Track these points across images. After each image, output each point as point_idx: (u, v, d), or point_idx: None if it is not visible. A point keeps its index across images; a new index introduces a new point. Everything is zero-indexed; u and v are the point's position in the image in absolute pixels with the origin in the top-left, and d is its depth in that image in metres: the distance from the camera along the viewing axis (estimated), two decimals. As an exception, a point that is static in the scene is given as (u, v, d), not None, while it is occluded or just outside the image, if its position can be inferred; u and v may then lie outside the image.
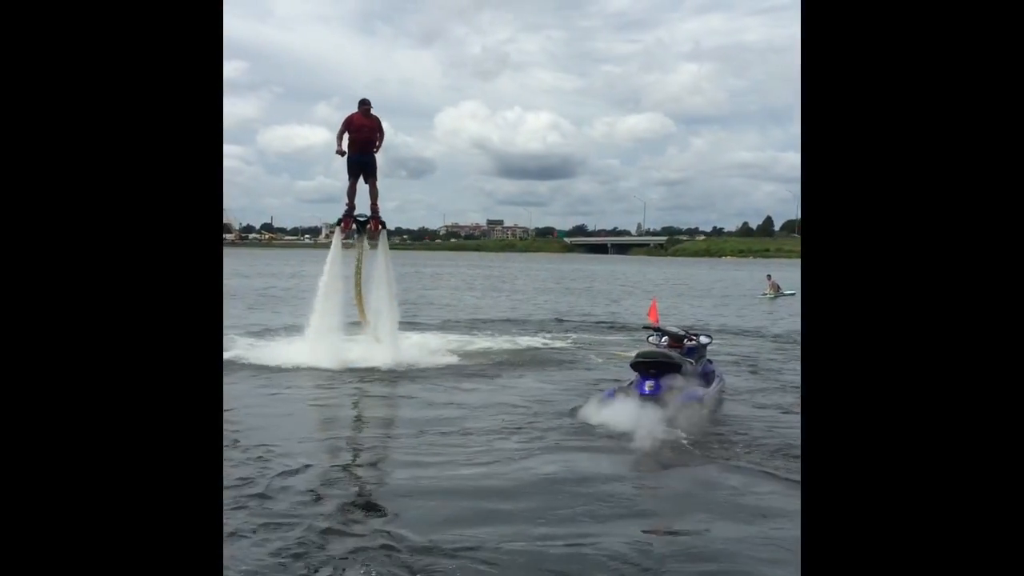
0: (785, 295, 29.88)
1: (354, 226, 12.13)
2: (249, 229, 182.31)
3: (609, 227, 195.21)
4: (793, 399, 8.68)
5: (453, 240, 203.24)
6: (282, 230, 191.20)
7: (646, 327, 10.01)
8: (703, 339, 8.96)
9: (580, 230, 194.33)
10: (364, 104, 11.61)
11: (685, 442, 6.66)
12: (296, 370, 10.37)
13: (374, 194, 12.01)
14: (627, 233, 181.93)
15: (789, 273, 37.63)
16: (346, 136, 11.72)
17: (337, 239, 12.25)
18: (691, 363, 8.14)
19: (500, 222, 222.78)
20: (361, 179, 11.99)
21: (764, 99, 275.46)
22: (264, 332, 13.99)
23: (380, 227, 12.24)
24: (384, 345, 11.45)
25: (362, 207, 12.15)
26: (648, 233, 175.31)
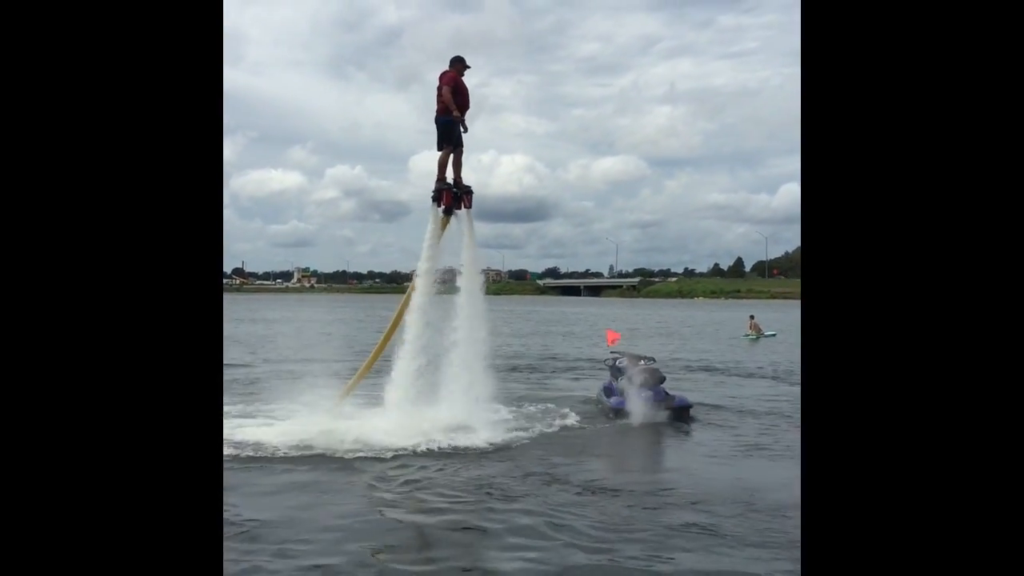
0: (766, 336, 30.00)
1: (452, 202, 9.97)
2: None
3: (582, 269, 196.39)
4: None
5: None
6: (254, 275, 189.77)
7: (620, 353, 12.49)
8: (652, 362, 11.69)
9: (553, 272, 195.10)
10: (460, 62, 9.86)
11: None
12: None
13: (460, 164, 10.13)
14: (599, 275, 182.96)
15: (766, 314, 37.95)
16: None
17: (435, 222, 10.05)
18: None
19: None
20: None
21: (736, 142, 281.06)
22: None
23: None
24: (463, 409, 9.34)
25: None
26: (620, 275, 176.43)
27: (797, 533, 5.22)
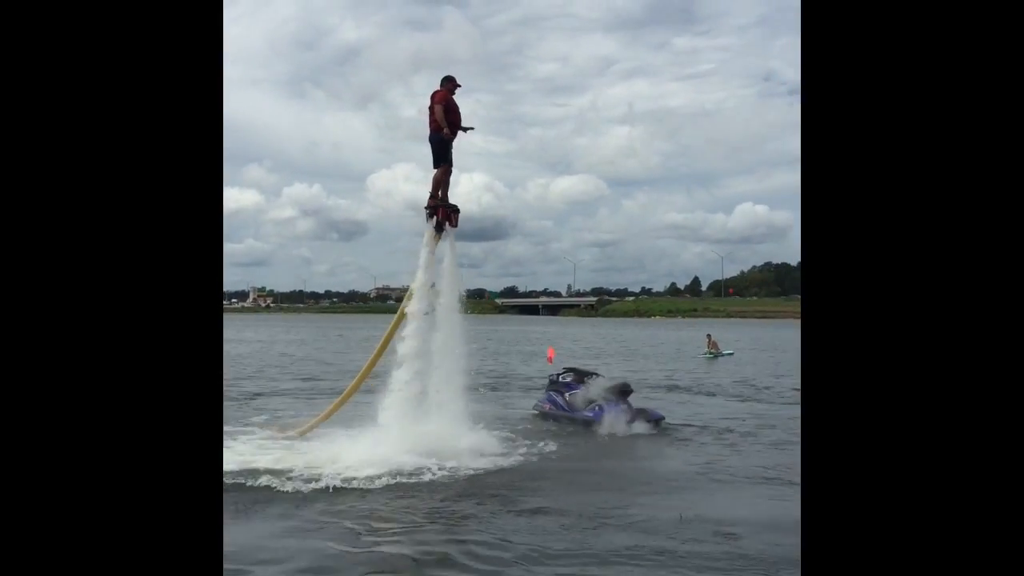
0: (724, 355, 30.48)
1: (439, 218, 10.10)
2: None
3: (540, 288, 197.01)
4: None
5: (387, 303, 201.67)
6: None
7: (568, 368, 13.03)
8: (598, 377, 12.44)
9: (511, 291, 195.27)
10: (450, 82, 10.04)
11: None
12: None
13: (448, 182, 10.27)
14: (558, 294, 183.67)
15: (723, 333, 38.54)
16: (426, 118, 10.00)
17: (430, 238, 10.13)
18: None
19: (432, 284, 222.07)
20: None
21: (693, 162, 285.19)
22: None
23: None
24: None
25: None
26: (578, 294, 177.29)
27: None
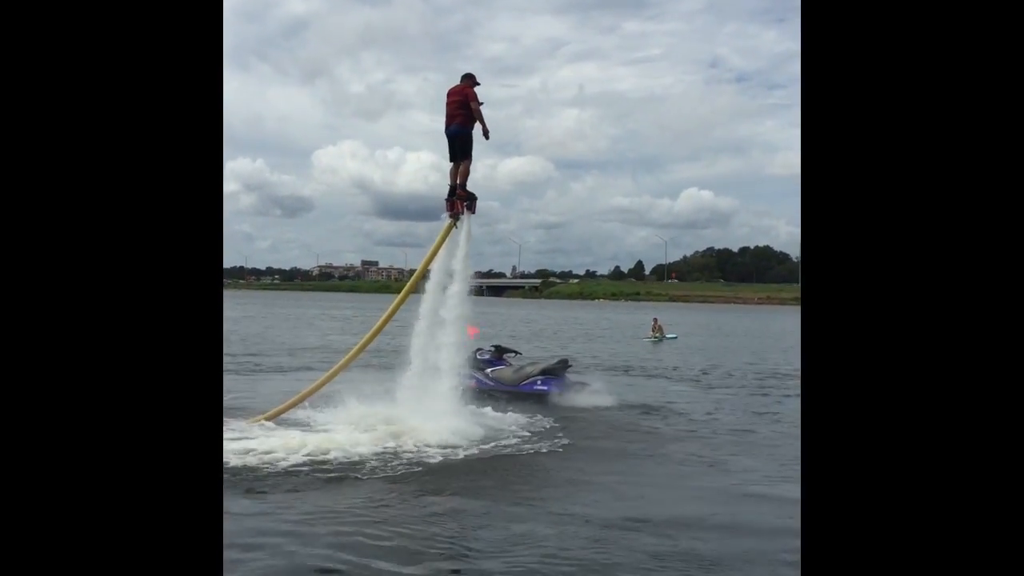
0: (668, 338, 31.08)
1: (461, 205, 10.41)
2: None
3: (485, 269, 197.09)
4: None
5: (330, 281, 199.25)
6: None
7: (496, 346, 13.18)
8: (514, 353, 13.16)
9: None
10: (471, 78, 10.36)
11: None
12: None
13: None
14: (502, 275, 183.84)
15: (666, 316, 39.25)
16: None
17: (447, 226, 10.41)
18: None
19: (375, 263, 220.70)
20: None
21: (640, 147, 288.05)
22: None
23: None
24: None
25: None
26: (523, 276, 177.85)
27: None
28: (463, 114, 10.15)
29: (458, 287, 10.09)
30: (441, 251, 10.31)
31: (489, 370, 12.42)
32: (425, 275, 10.48)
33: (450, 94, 10.28)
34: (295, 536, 5.40)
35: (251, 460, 7.51)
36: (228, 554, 4.33)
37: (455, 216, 10.36)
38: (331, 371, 10.27)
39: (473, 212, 10.47)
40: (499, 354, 12.83)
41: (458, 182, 10.36)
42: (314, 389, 9.98)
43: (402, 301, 10.28)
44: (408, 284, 10.55)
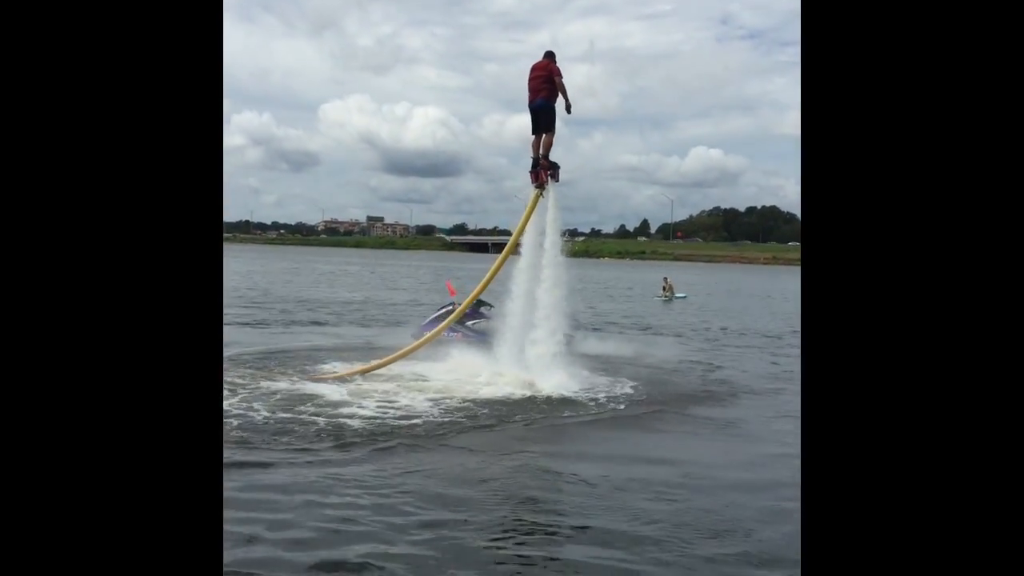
0: (678, 297, 31.39)
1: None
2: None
3: (491, 226, 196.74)
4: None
5: (335, 236, 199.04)
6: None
7: (481, 303, 13.41)
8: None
9: (461, 229, 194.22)
10: (551, 56, 10.90)
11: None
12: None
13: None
14: (508, 233, 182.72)
15: (674, 275, 39.51)
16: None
17: (534, 196, 10.99)
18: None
19: (381, 219, 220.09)
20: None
21: (649, 105, 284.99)
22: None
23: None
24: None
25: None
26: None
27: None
28: (548, 88, 10.62)
29: (551, 250, 10.76)
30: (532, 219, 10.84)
31: (470, 323, 13.02)
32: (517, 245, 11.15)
33: (534, 69, 10.73)
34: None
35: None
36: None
37: (540, 186, 10.82)
38: (435, 331, 11.32)
39: (557, 180, 10.98)
40: (477, 307, 13.34)
41: (541, 153, 10.82)
42: (418, 346, 10.84)
43: (500, 266, 11.04)
44: (505, 250, 11.29)
